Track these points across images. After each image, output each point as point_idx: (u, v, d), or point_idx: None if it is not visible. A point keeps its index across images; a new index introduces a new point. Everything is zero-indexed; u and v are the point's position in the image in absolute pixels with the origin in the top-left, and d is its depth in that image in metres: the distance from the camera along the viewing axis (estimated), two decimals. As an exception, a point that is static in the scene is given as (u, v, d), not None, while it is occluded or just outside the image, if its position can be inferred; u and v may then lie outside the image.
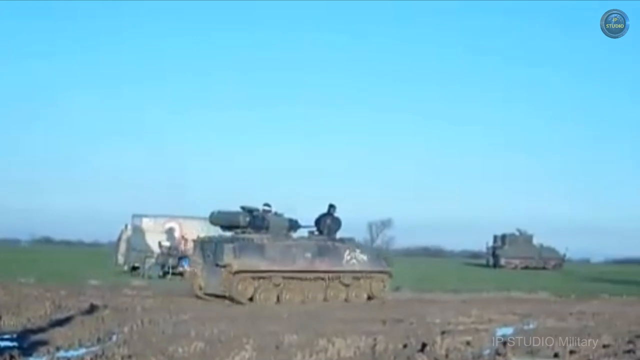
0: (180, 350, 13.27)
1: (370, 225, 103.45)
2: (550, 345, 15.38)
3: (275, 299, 23.49)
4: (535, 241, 63.45)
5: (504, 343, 15.81)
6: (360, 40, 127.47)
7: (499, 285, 35.65)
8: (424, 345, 14.75)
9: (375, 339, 15.16)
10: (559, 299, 30.22)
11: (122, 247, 39.32)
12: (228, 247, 22.74)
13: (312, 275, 24.18)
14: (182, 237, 38.58)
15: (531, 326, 19.84)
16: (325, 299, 24.46)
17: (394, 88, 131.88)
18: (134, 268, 37.38)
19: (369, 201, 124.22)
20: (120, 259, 39.07)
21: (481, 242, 66.88)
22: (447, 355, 13.81)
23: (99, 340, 14.40)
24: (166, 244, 37.43)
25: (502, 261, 60.88)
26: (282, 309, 21.68)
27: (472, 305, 24.92)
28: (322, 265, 24.37)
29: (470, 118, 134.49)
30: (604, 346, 15.66)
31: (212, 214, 24.99)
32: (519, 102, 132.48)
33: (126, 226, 40.36)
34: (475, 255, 75.09)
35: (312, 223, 26.05)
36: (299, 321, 18.62)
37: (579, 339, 16.47)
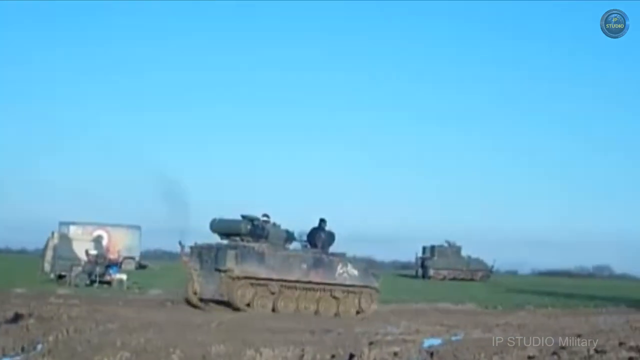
0: (105, 360, 13.11)
1: (300, 235, 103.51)
2: (477, 356, 15.53)
3: (271, 307, 24.13)
4: (463, 253, 64.01)
5: (431, 354, 15.92)
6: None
7: (427, 296, 35.95)
8: (351, 356, 14.78)
9: (303, 350, 15.14)
10: (486, 310, 30.55)
11: (49, 254, 38.63)
12: (230, 253, 23.33)
13: (306, 286, 24.75)
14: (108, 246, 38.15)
15: (458, 337, 20.02)
16: (316, 312, 24.96)
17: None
18: (61, 276, 36.70)
19: (300, 212, 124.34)
20: (47, 267, 38.38)
21: (411, 253, 67.24)
22: (374, 366, 13.85)
23: (23, 349, 14.13)
24: (93, 252, 36.98)
25: (431, 272, 61.28)
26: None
27: (400, 316, 25.09)
28: (316, 277, 24.87)
29: (398, 130, 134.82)
30: (529, 357, 15.86)
31: (213, 220, 25.28)
32: (448, 115, 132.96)
33: (53, 234, 39.82)
34: (405, 266, 75.32)
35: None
36: (227, 331, 18.52)
37: (504, 350, 16.72)
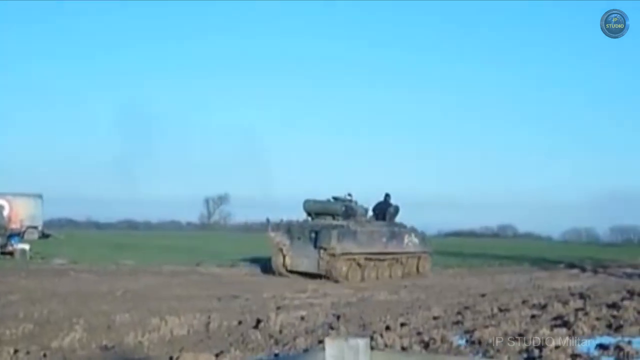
0: (7, 332, 12.79)
1: (207, 201, 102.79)
2: (383, 318, 15.65)
3: (359, 277, 26.47)
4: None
5: (338, 317, 15.99)
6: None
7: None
8: (258, 322, 14.74)
9: (209, 317, 15.04)
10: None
11: (-52, 225, 37.60)
12: (334, 232, 25.72)
13: (385, 257, 27.79)
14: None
15: (365, 300, 20.14)
16: (390, 276, 27.78)
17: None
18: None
19: (204, 177, 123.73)
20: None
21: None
22: (280, 331, 13.82)
23: None
24: (-7, 222, 36.08)
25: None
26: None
27: (307, 280, 25.10)
28: (391, 247, 27.98)
29: (306, 97, 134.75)
30: (434, 318, 16.06)
31: (307, 201, 28.25)
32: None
33: (-48, 204, 38.76)
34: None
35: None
36: (132, 299, 18.30)
37: (410, 312, 16.89)
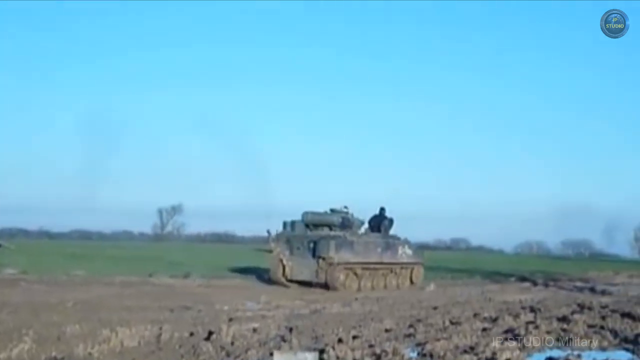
0: (-46, 343, 12.62)
1: (160, 211, 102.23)
2: (335, 330, 15.65)
3: (356, 287, 27.97)
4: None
5: (290, 329, 15.97)
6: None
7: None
8: (210, 333, 14.67)
9: (161, 328, 14.94)
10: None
11: None
12: (332, 243, 27.18)
13: (380, 267, 29.35)
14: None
15: (317, 312, 20.15)
16: (385, 286, 29.49)
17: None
18: None
19: (158, 187, 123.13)
20: None
21: (272, 229, 67.10)
22: (232, 343, 13.76)
23: None
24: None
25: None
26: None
27: (260, 292, 25.10)
28: (386, 258, 29.54)
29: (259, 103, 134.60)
30: (386, 330, 16.09)
31: (305, 214, 29.77)
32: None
33: None
34: (266, 241, 75.23)
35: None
36: (83, 310, 18.13)
37: (362, 324, 16.92)
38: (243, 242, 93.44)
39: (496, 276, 37.24)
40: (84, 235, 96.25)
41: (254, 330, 15.61)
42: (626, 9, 23.89)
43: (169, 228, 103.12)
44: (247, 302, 21.58)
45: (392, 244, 30.20)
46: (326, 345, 13.36)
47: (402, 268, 30.75)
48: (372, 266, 28.87)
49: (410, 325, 16.88)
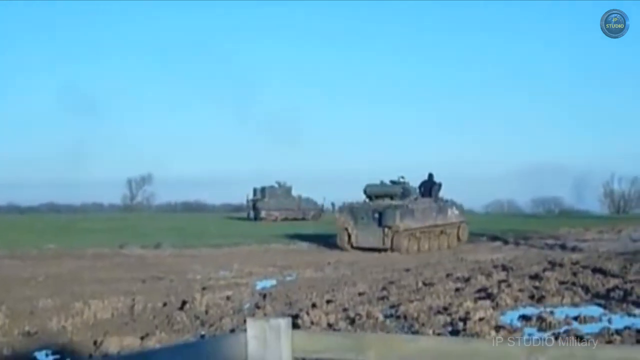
0: None
1: (129, 181, 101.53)
2: (309, 296, 15.68)
3: (417, 248, 30.08)
4: (294, 192, 64.25)
5: (264, 296, 15.99)
6: None
7: (259, 238, 35.98)
8: (183, 303, 14.67)
9: (133, 299, 14.92)
10: (318, 249, 30.88)
11: None
12: (397, 213, 29.48)
13: (435, 229, 31.81)
14: None
15: (290, 278, 20.18)
16: (438, 245, 31.58)
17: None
18: None
19: (127, 157, 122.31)
20: None
21: (242, 196, 67.01)
22: (206, 312, 13.77)
23: None
24: None
25: (263, 213, 61.04)
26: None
27: (233, 260, 25.07)
28: (439, 220, 32.03)
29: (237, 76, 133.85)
30: (360, 294, 16.14)
31: (368, 186, 31.92)
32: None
33: None
34: (237, 208, 74.98)
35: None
36: (55, 284, 18.06)
37: (336, 288, 16.96)
38: (213, 210, 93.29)
39: (467, 236, 37.37)
40: (54, 209, 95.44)
41: (228, 298, 15.62)
42: (626, 9, 23.97)
43: (138, 198, 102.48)
44: (220, 271, 21.54)
45: (443, 207, 32.79)
46: (300, 310, 13.40)
47: (451, 227, 33.22)
48: (429, 229, 31.32)
49: (384, 288, 16.95)
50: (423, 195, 32.95)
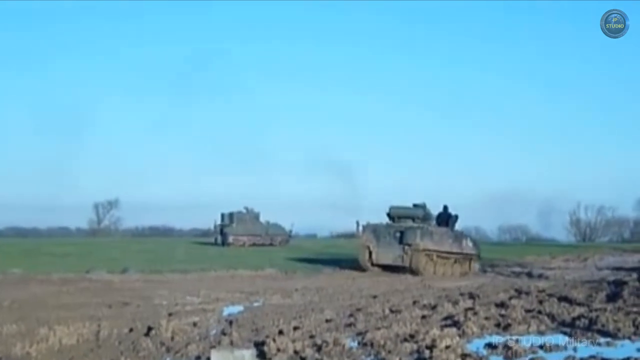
0: None
1: (96, 206, 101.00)
2: (275, 322, 15.65)
3: (432, 271, 31.87)
4: (262, 218, 64.26)
5: (230, 322, 15.93)
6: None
7: (227, 263, 35.89)
8: (149, 329, 14.57)
9: (99, 325, 14.81)
10: (286, 276, 30.84)
11: None
12: (418, 232, 31.66)
13: (450, 256, 33.36)
14: None
15: (258, 304, 20.14)
16: (452, 273, 32.95)
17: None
18: None
19: (93, 182, 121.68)
20: None
21: (210, 221, 66.89)
22: (172, 338, 13.68)
23: None
24: None
25: (231, 239, 60.97)
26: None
27: (200, 285, 24.98)
28: (455, 248, 33.58)
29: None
30: (327, 320, 16.13)
31: (392, 207, 34.12)
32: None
33: None
34: (205, 233, 74.87)
35: None
36: (20, 309, 17.88)
37: (303, 315, 16.94)
38: (181, 235, 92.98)
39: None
40: (20, 233, 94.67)
41: (194, 324, 15.54)
42: (626, 9, 24.18)
43: (105, 223, 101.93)
44: (187, 296, 21.45)
45: (459, 236, 34.50)
46: (267, 337, 13.35)
47: (464, 258, 34.43)
48: (444, 254, 32.83)
49: (351, 315, 16.95)
50: (439, 225, 34.47)
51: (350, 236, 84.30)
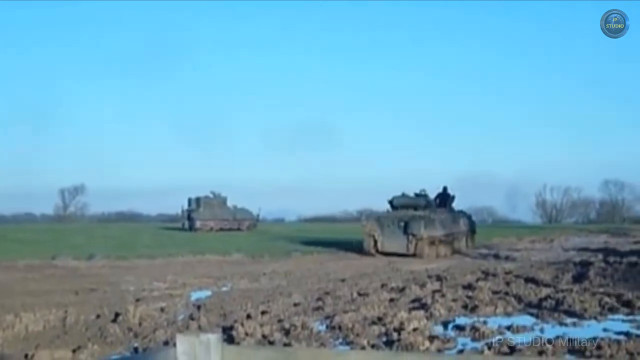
0: None
1: (62, 192, 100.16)
2: (244, 307, 15.63)
3: (435, 254, 32.73)
4: (229, 203, 64.04)
5: (198, 307, 15.89)
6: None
7: (194, 248, 35.76)
8: (117, 315, 14.51)
9: (66, 311, 14.72)
10: (253, 260, 30.78)
11: None
12: (421, 222, 32.71)
13: (450, 237, 34.65)
14: None
15: (225, 289, 20.10)
16: (452, 251, 34.30)
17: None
18: None
19: (59, 167, 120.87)
20: None
21: (177, 206, 66.61)
22: (140, 324, 13.64)
23: None
24: None
25: (198, 224, 60.68)
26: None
27: (167, 271, 24.90)
28: (454, 229, 35.17)
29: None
30: (295, 304, 16.13)
31: (394, 197, 35.72)
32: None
33: None
34: (173, 219, 74.48)
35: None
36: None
37: (271, 299, 16.93)
38: (148, 221, 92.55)
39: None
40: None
41: (162, 310, 15.50)
42: (626, 9, 24.21)
43: (71, 208, 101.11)
44: (154, 282, 21.37)
45: (456, 217, 36.16)
46: (235, 321, 13.34)
47: (462, 235, 36.42)
48: (445, 237, 34.03)
49: (319, 299, 16.96)
50: (438, 205, 36.35)
51: (324, 220, 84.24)
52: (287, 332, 12.46)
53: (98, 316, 14.62)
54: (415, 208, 34.83)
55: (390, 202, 35.88)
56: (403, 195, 36.14)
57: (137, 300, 16.96)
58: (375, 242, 33.83)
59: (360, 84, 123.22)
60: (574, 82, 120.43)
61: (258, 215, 65.47)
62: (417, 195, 36.08)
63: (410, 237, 32.81)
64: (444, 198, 37.00)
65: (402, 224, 33.39)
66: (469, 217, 38.38)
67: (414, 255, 32.25)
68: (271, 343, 11.73)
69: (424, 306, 15.25)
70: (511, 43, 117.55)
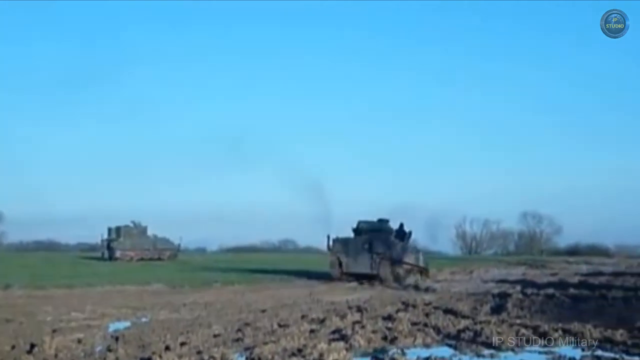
0: None
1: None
2: (162, 338, 15.48)
3: (393, 279, 34.56)
4: (150, 232, 63.55)
5: (117, 339, 15.68)
6: None
7: (114, 278, 35.36)
8: (32, 346, 14.24)
9: (-21, 343, 14.42)
10: (174, 290, 30.54)
11: None
12: (382, 243, 35.40)
13: (409, 266, 35.68)
14: None
15: (145, 319, 19.87)
16: (413, 280, 35.18)
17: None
18: None
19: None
20: None
21: (97, 235, 65.85)
22: (56, 355, 13.40)
23: None
24: None
25: (118, 253, 60.17)
26: None
27: (86, 301, 24.55)
28: (411, 259, 35.87)
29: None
30: (215, 335, 16.03)
31: (360, 222, 37.60)
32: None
33: None
34: (92, 248, 73.65)
35: None
36: None
37: (190, 330, 16.80)
38: (67, 250, 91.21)
39: (324, 277, 37.73)
40: None
41: (79, 341, 15.26)
42: (626, 9, 24.42)
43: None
44: (72, 312, 21.04)
45: (415, 250, 37.57)
46: (153, 353, 13.20)
47: (418, 270, 36.43)
48: (405, 265, 35.44)
49: (239, 330, 16.88)
50: (398, 238, 37.06)
51: (244, 250, 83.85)
52: (206, 364, 12.38)
53: (13, 347, 14.32)
54: (379, 232, 36.55)
55: (355, 229, 37.36)
56: (367, 220, 37.66)
57: (54, 330, 16.68)
58: (341, 264, 36.54)
59: (285, 109, 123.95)
60: (491, 118, 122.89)
61: (179, 245, 65.08)
62: (380, 220, 37.57)
63: (374, 255, 35.30)
64: (401, 234, 37.27)
65: (367, 245, 35.79)
66: (424, 255, 38.46)
67: (378, 278, 34.69)
68: (190, 375, 11.65)
69: (344, 337, 15.28)
70: (432, 75, 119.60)
